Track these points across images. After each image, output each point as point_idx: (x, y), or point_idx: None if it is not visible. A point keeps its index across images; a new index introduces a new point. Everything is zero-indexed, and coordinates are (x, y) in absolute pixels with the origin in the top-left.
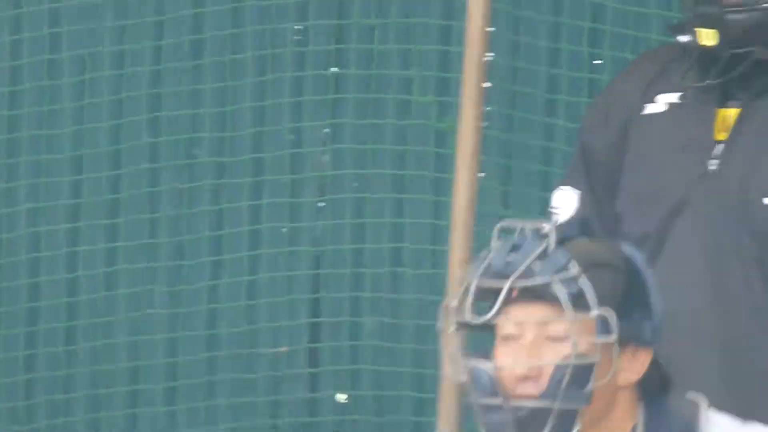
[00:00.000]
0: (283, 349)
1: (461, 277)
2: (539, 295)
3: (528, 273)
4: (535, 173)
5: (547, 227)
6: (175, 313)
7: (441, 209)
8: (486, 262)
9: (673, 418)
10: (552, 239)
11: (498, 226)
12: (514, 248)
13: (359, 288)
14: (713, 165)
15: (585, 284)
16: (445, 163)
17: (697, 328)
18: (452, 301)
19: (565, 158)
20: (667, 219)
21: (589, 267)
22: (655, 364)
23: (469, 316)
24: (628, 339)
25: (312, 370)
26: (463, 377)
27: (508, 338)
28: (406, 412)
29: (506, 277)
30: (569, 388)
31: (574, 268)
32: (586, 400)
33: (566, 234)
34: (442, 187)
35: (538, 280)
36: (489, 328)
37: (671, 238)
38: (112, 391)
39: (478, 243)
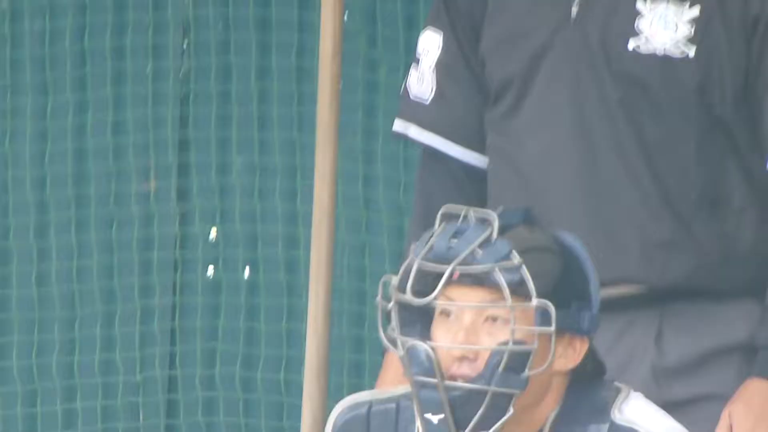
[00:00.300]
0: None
1: (404, 258)
2: (480, 280)
3: (470, 259)
4: None
5: (491, 214)
6: None
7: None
8: (428, 245)
9: (589, 401)
10: (495, 227)
11: (442, 210)
12: (457, 233)
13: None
14: (575, 10)
15: (526, 274)
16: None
17: (562, 167)
18: (393, 279)
19: None
20: (530, 63)
21: (530, 255)
22: (590, 352)
23: (410, 297)
24: (566, 329)
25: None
26: (400, 353)
27: (446, 319)
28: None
29: (448, 261)
30: (505, 372)
31: (515, 258)
32: (522, 386)
33: (509, 221)
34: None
35: (479, 268)
36: (428, 308)
37: (535, 81)
38: None
39: None
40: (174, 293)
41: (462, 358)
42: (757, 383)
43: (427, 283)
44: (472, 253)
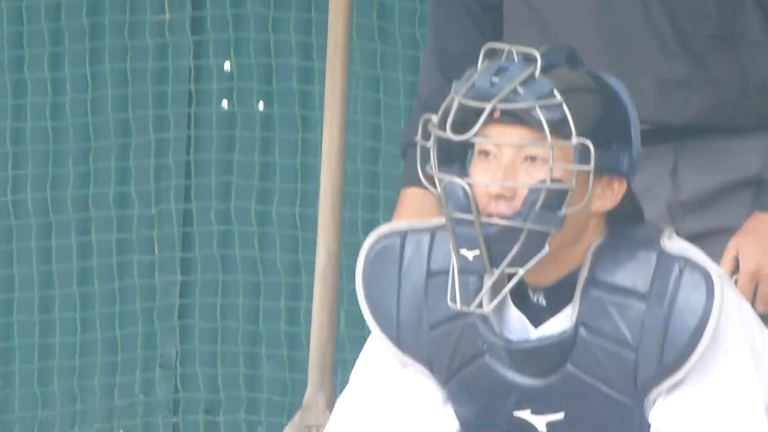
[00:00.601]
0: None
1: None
2: (521, 118)
3: (512, 96)
4: None
5: (534, 53)
6: None
7: None
8: (470, 82)
9: (633, 235)
10: (538, 65)
11: (485, 47)
12: (500, 71)
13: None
14: None
15: (567, 112)
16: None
17: (577, 7)
18: (433, 117)
19: None
20: None
21: (572, 94)
22: (628, 195)
23: (449, 133)
24: (605, 169)
25: None
26: (438, 191)
27: (486, 158)
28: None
29: (490, 98)
30: (542, 210)
31: (557, 96)
32: (558, 224)
33: (552, 61)
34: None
35: (521, 104)
36: (467, 146)
37: None
38: None
39: None
40: (189, 127)
41: (499, 197)
42: (765, 216)
43: (467, 120)
44: (514, 90)
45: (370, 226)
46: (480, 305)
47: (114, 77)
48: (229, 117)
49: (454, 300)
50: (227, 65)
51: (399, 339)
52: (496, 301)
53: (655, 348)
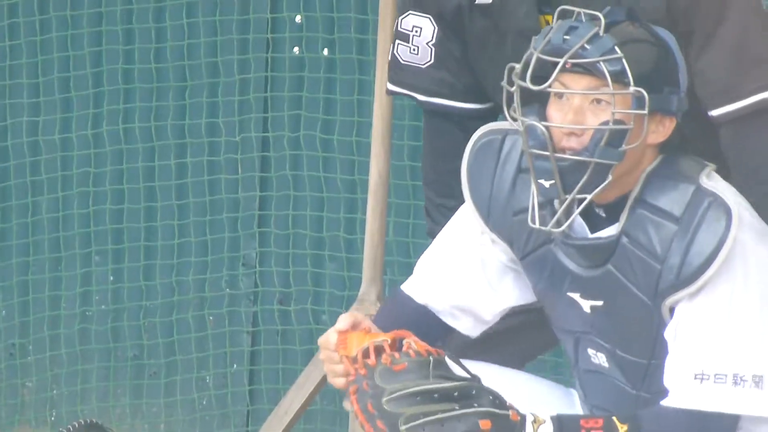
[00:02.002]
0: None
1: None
2: (588, 69)
3: (580, 51)
4: None
5: (599, 15)
6: None
7: None
8: (546, 39)
9: (678, 165)
10: (602, 24)
11: (558, 9)
12: (570, 29)
13: None
14: None
15: (626, 65)
16: None
17: None
18: (516, 67)
19: None
20: None
21: (631, 46)
22: (677, 130)
23: (528, 84)
24: (658, 110)
25: None
26: (520, 129)
27: (559, 100)
28: None
29: (562, 53)
30: (606, 147)
31: (618, 51)
32: (619, 158)
33: (614, 19)
34: None
35: (588, 59)
36: (544, 94)
37: None
38: None
39: None
40: (266, 68)
41: (570, 134)
42: None
43: (545, 69)
44: (582, 46)
45: (415, 152)
46: (555, 225)
47: (206, 27)
48: (299, 61)
49: (533, 220)
50: (298, 18)
51: (488, 218)
52: (567, 223)
53: (677, 263)
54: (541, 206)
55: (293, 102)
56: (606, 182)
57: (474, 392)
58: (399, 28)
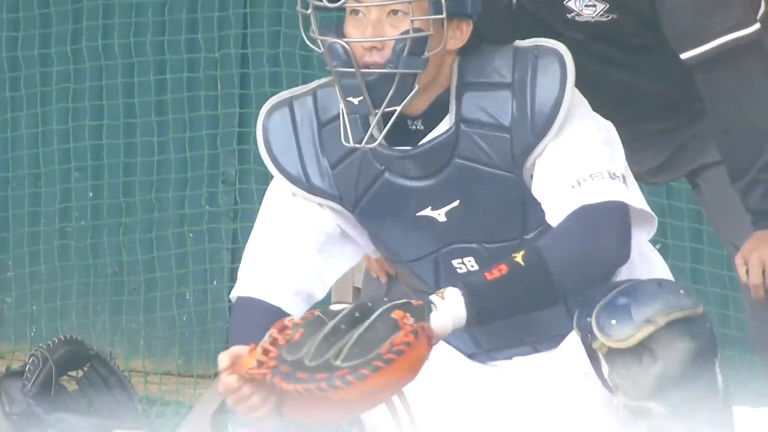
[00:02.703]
0: None
1: None
2: None
3: None
4: None
5: None
6: None
7: None
8: None
9: (485, 51)
10: None
11: None
12: None
13: None
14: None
15: None
16: None
17: None
18: None
19: None
20: None
21: None
22: (474, 31)
23: (324, 2)
24: (454, 14)
25: None
26: (322, 50)
27: (356, 17)
28: None
29: None
30: (409, 56)
31: None
32: (423, 66)
33: None
34: None
35: None
36: (340, 9)
37: None
38: None
39: None
40: None
41: (372, 48)
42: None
43: None
44: None
45: None
46: (369, 140)
47: None
48: None
49: (347, 140)
50: None
51: (310, 186)
52: (382, 135)
53: (525, 123)
54: (352, 125)
55: (273, 18)
56: (414, 92)
57: (370, 304)
58: None
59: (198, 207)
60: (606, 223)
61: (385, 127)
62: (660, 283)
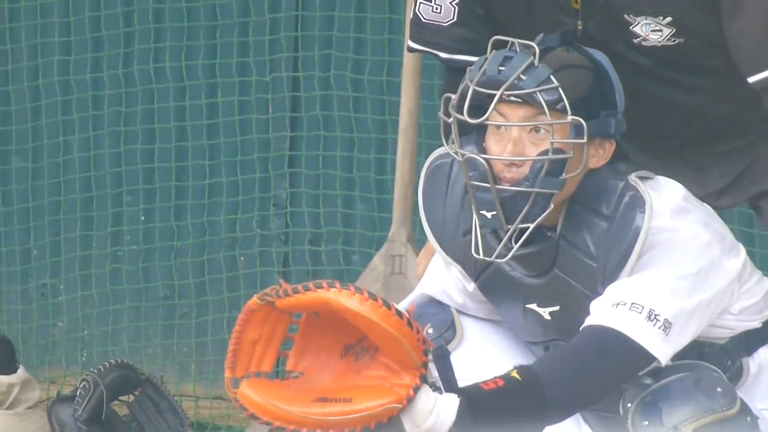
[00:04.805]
0: None
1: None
2: (525, 99)
3: (516, 83)
4: None
5: (533, 44)
6: None
7: None
8: (481, 71)
9: (607, 170)
10: (537, 54)
11: (492, 39)
12: (505, 60)
13: None
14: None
15: (562, 94)
16: None
17: None
18: (452, 98)
19: None
20: None
21: (566, 72)
22: (618, 150)
23: (466, 117)
24: (596, 134)
25: None
26: (460, 161)
27: (498, 130)
28: None
29: (498, 85)
30: (546, 176)
31: (554, 81)
32: (560, 187)
33: (549, 44)
34: None
35: (524, 90)
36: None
37: None
38: None
39: None
40: (297, 8)
41: (510, 165)
42: None
43: (481, 100)
44: (518, 77)
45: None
46: (500, 255)
47: None
48: (329, 0)
49: (478, 251)
50: None
51: (442, 241)
52: (512, 253)
53: (606, 260)
54: (483, 235)
55: (323, 41)
56: (548, 211)
57: None
58: None
59: (249, 230)
60: (613, 356)
61: (516, 241)
62: (699, 380)
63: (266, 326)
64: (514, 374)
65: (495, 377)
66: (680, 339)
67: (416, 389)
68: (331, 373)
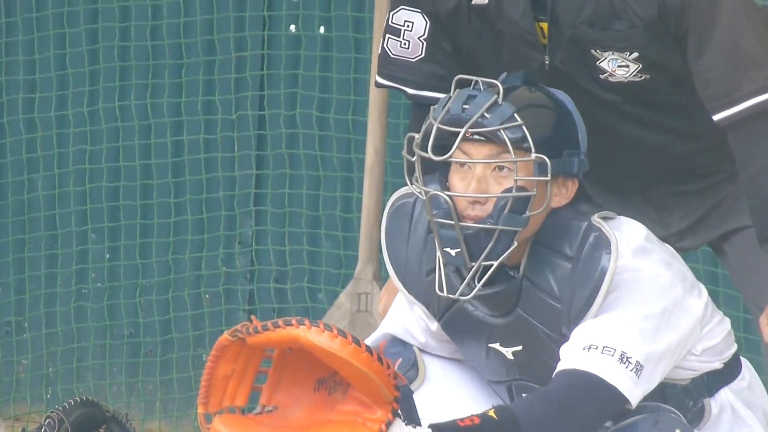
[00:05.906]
0: None
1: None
2: (489, 137)
3: (480, 121)
4: None
5: (496, 82)
6: None
7: None
8: (445, 109)
9: (570, 211)
10: (500, 92)
11: (456, 78)
12: (469, 98)
13: None
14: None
15: (526, 132)
16: None
17: None
18: (416, 137)
19: None
20: None
21: (529, 111)
22: (581, 190)
23: (430, 154)
24: (559, 173)
25: None
26: (423, 199)
27: (461, 168)
28: None
29: (462, 123)
30: (510, 214)
31: (517, 119)
32: (524, 224)
33: (512, 84)
34: None
35: (488, 128)
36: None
37: None
38: None
39: None
40: (263, 47)
41: (474, 202)
42: None
43: (445, 138)
44: (482, 115)
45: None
46: (464, 292)
47: (202, 4)
48: (295, 39)
49: (441, 289)
50: None
51: (405, 280)
52: (475, 291)
53: (571, 301)
54: (447, 273)
55: (289, 80)
56: (511, 248)
57: None
58: (390, 23)
59: (215, 268)
60: (589, 399)
61: (479, 278)
62: (657, 422)
63: (239, 361)
64: (491, 413)
65: (471, 415)
66: (650, 381)
67: (388, 424)
68: (304, 407)
